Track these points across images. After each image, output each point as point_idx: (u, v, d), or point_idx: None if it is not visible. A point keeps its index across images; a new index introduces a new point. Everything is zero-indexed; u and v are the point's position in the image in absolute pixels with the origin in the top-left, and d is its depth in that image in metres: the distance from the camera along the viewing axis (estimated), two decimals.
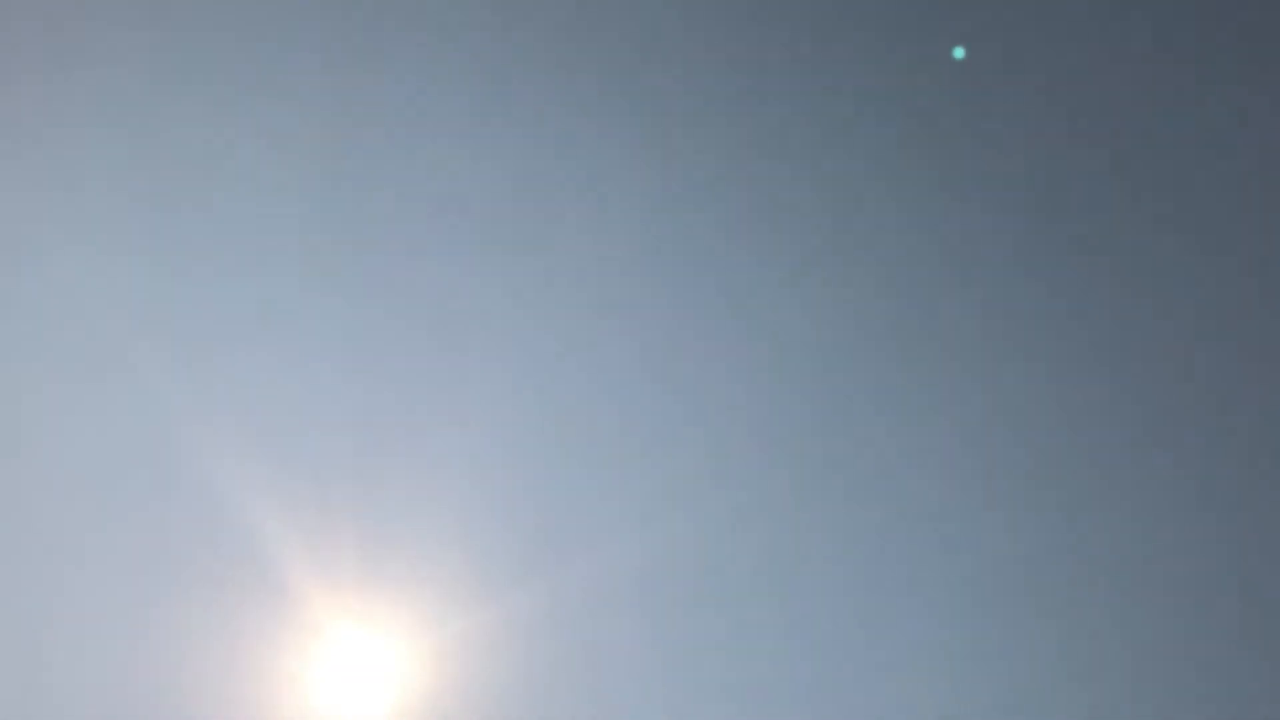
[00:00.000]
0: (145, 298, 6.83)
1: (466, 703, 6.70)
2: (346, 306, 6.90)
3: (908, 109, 6.64)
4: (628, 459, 7.14)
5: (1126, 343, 6.62)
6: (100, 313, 6.74)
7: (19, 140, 6.60)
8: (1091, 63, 6.45)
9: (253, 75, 6.67)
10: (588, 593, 6.90)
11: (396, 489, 7.00)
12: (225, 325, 6.89)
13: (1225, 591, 6.60)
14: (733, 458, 7.11)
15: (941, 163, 6.69)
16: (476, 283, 6.95)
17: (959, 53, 6.22)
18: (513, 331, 7.01)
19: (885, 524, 6.88)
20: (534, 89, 6.71)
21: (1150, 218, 6.32)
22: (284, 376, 6.97)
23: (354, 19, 6.70)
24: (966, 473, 6.96)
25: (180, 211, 6.71)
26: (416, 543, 6.93)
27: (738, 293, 6.87)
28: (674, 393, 7.05)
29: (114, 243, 6.72)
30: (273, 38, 6.64)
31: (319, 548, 6.91)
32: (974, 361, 7.00)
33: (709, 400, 6.99)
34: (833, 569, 7.01)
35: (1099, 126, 6.49)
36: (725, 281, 6.87)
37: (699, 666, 6.89)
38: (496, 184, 6.79)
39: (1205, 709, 6.51)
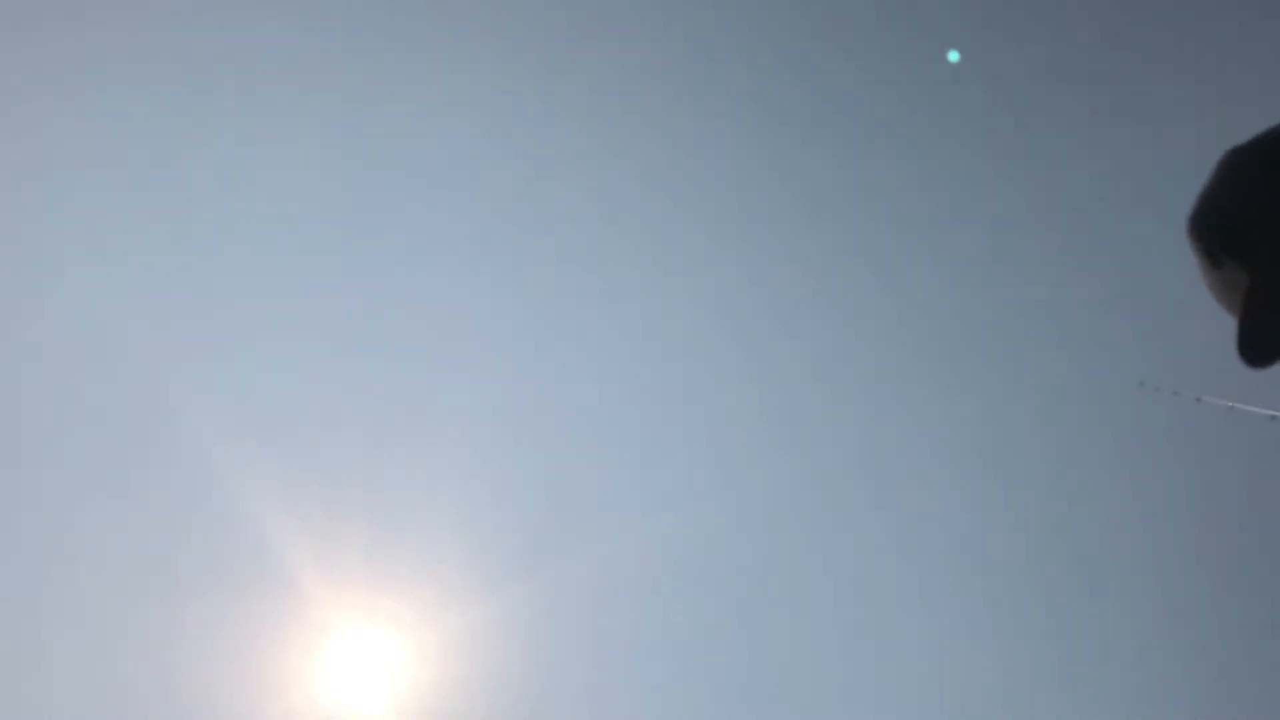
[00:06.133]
0: (150, 299, 6.85)
1: (470, 696, 6.73)
2: (350, 308, 6.93)
3: (904, 110, 6.63)
4: (628, 457, 7.17)
5: (1130, 341, 6.61)
6: (105, 313, 6.76)
7: (21, 140, 6.62)
8: (1087, 65, 6.44)
9: (258, 79, 6.68)
10: (590, 588, 6.93)
11: (401, 488, 7.03)
12: (231, 326, 6.91)
13: (1222, 592, 6.61)
14: (733, 455, 7.13)
15: (939, 163, 6.69)
16: (480, 285, 6.97)
17: (954, 56, 6.24)
18: (515, 333, 7.03)
19: (885, 522, 6.89)
20: (535, 94, 6.71)
21: (1150, 216, 6.31)
22: (290, 377, 7.00)
23: (358, 24, 6.70)
24: (969, 470, 6.96)
25: (186, 214, 6.73)
26: (421, 540, 6.97)
27: (737, 293, 6.87)
28: (674, 392, 7.07)
29: (118, 244, 6.74)
30: (277, 42, 6.65)
31: (325, 546, 6.94)
32: (976, 361, 7.00)
33: (708, 399, 7.01)
34: (832, 566, 7.02)
35: (1097, 127, 6.48)
36: (724, 282, 6.88)
37: (698, 659, 6.92)
38: (499, 188, 6.79)
39: (1202, 707, 6.51)
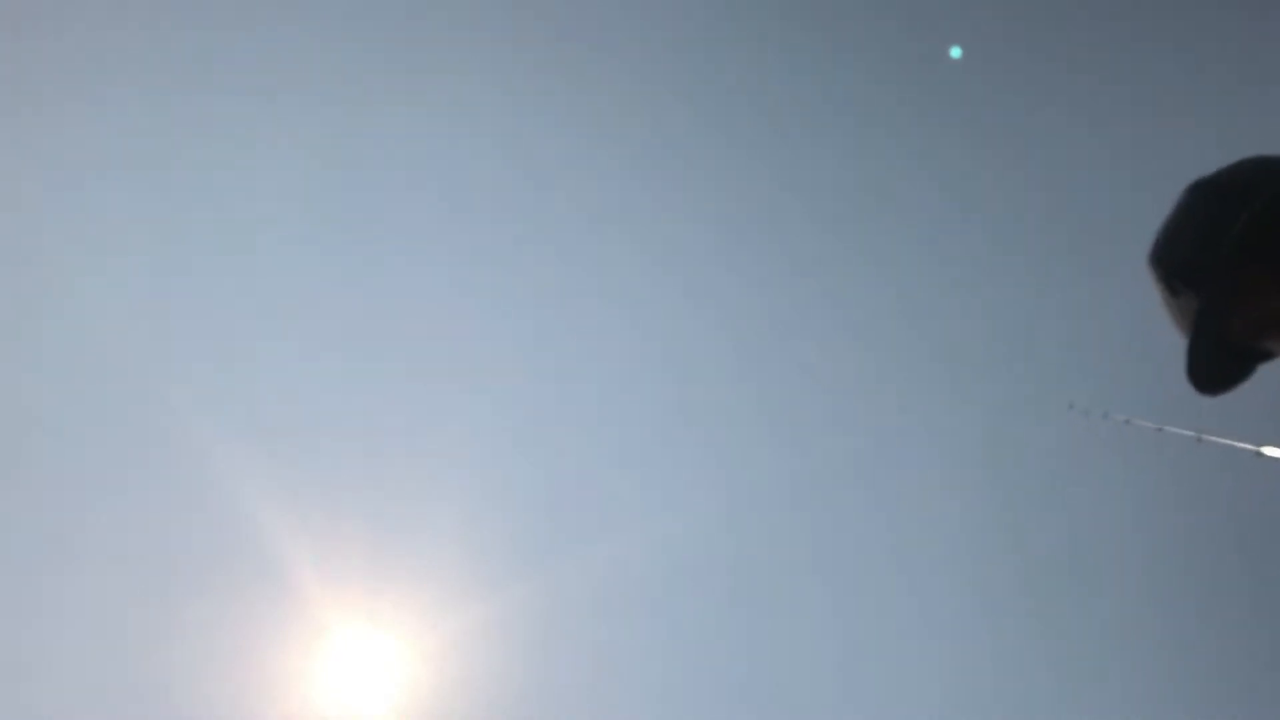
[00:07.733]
0: (150, 299, 6.85)
1: (470, 698, 6.72)
2: (350, 310, 6.92)
3: (905, 108, 6.61)
4: (629, 459, 7.15)
5: (1133, 342, 6.59)
6: (105, 313, 6.76)
7: (21, 141, 6.61)
8: (1089, 63, 6.42)
9: (257, 78, 6.68)
10: (590, 590, 6.92)
11: (401, 489, 7.02)
12: (232, 327, 6.90)
13: (1222, 594, 6.59)
14: (734, 456, 7.11)
15: (940, 161, 6.67)
16: (480, 286, 6.95)
17: (956, 52, 6.21)
18: (515, 334, 7.02)
19: (883, 523, 6.87)
20: (535, 95, 6.69)
21: (1153, 215, 6.27)
22: (290, 378, 6.99)
23: (360, 24, 6.69)
24: (966, 473, 6.94)
25: (186, 215, 6.72)
26: (421, 541, 6.95)
27: (736, 294, 6.86)
28: (674, 393, 7.05)
29: (117, 244, 6.74)
30: (276, 41, 6.64)
31: (325, 547, 6.93)
32: (976, 362, 6.98)
33: (708, 400, 6.99)
34: (834, 567, 7.01)
35: (1098, 127, 6.46)
36: (722, 283, 6.86)
37: (699, 661, 6.90)
38: (499, 189, 6.78)
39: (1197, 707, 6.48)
